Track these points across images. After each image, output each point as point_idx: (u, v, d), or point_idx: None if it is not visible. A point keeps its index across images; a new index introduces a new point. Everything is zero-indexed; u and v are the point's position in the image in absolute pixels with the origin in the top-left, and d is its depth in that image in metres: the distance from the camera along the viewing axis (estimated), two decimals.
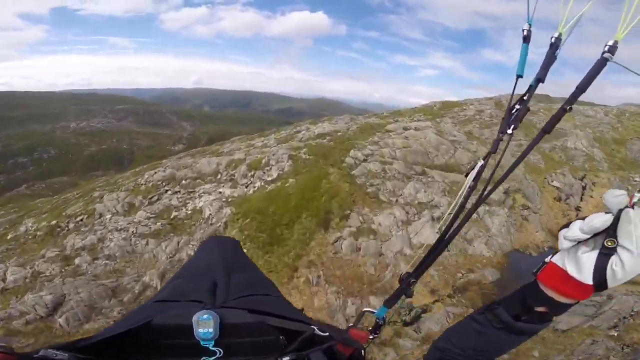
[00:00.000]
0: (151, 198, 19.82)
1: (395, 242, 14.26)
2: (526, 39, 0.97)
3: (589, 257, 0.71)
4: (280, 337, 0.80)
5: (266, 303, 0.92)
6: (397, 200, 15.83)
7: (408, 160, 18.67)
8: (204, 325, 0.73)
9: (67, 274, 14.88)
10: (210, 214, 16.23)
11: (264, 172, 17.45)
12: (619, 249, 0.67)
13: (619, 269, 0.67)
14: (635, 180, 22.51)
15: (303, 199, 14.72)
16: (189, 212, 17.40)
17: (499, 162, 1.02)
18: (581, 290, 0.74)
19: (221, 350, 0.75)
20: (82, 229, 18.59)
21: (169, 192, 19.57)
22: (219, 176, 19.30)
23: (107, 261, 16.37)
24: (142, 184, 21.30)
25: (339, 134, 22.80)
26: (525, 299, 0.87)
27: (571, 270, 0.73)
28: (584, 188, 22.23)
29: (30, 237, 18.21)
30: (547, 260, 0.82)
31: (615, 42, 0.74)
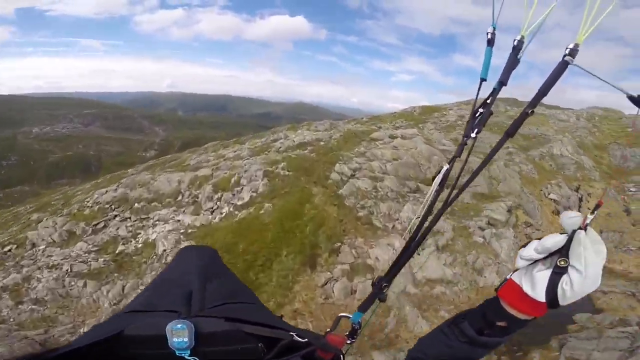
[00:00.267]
0: (96, 225, 15.76)
1: (397, 280, 11.14)
2: (490, 42, 0.91)
3: (542, 276, 0.70)
4: (259, 345, 0.76)
5: (243, 311, 0.89)
6: (394, 226, 12.79)
7: (400, 175, 15.75)
8: (178, 334, 0.69)
9: None
10: (165, 250, 12.51)
11: (234, 195, 13.91)
12: (569, 269, 0.67)
13: (568, 288, 0.66)
14: (631, 191, 20.83)
15: (282, 231, 11.35)
16: (140, 245, 13.61)
17: (463, 166, 0.98)
18: (535, 308, 0.73)
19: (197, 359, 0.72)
20: (7, 264, 14.33)
21: (118, 219, 15.60)
22: (179, 197, 15.55)
23: (34, 306, 12.38)
24: (87, 206, 17.14)
25: (322, 143, 19.57)
26: (486, 314, 0.85)
27: (526, 288, 0.72)
28: (580, 200, 20.28)
29: None
30: (507, 277, 0.80)
31: (576, 45, 0.71)
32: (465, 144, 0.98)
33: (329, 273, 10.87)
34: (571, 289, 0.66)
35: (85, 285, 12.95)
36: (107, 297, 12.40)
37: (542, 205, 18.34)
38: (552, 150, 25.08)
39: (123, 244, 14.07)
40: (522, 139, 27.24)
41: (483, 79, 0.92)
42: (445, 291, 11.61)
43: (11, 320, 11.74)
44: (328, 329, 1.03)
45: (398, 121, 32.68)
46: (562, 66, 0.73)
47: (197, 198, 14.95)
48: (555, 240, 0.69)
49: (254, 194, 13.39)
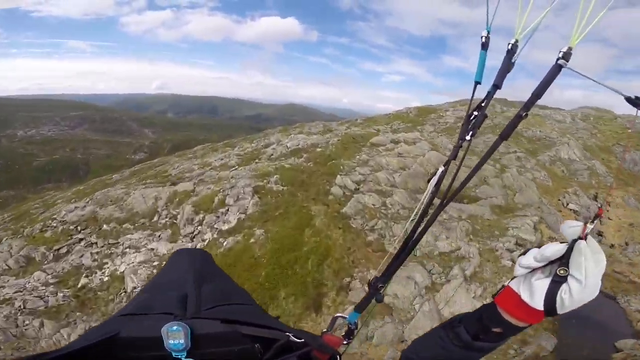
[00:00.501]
0: (57, 250, 13.04)
1: (421, 320, 8.83)
2: (484, 46, 0.88)
3: (541, 284, 0.68)
4: (256, 346, 0.75)
5: (239, 312, 0.87)
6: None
7: (410, 187, 13.48)
8: (174, 336, 0.68)
9: None
10: (135, 288, 9.95)
11: (218, 217, 11.36)
12: (569, 278, 0.65)
13: (567, 297, 0.65)
14: None
15: (279, 266, 8.90)
16: (106, 279, 11.00)
17: (458, 168, 0.93)
18: (532, 315, 0.72)
19: None
20: None
21: (83, 243, 12.91)
22: (155, 218, 12.94)
23: None
24: (50, 226, 14.37)
25: (318, 149, 17.16)
26: (482, 320, 0.82)
27: (524, 296, 0.70)
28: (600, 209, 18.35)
29: None
30: (505, 284, 0.78)
31: (569, 49, 0.70)
32: (461, 146, 0.92)
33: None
34: (570, 297, 0.64)
35: (42, 325, 10.43)
36: (68, 341, 9.81)
37: (563, 216, 16.32)
38: (559, 153, 23.24)
39: (87, 275, 11.45)
40: (527, 141, 25.40)
41: (478, 82, 0.89)
42: None
43: None
44: (325, 330, 0.99)
45: (394, 123, 30.65)
46: (556, 69, 0.72)
47: (176, 219, 12.39)
48: (555, 249, 0.66)
49: (243, 216, 10.88)
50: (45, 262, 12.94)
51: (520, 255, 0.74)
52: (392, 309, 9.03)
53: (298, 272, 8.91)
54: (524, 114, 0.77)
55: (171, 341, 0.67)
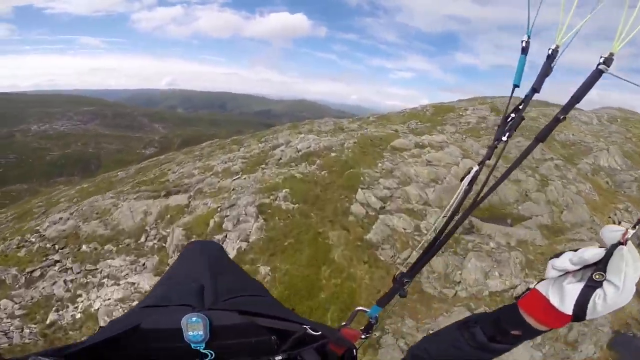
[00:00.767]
0: (31, 273, 10.93)
1: None
2: (524, 50, 0.85)
3: (573, 288, 0.65)
4: (272, 337, 0.75)
5: (255, 304, 0.86)
6: (456, 294, 8.11)
7: (446, 206, 11.07)
8: (194, 327, 0.67)
9: None
10: None
11: None
12: (605, 283, 0.62)
13: (601, 302, 0.62)
14: None
15: None
16: (78, 315, 8.83)
17: (493, 168, 0.88)
18: (557, 320, 0.70)
19: (212, 353, 0.70)
20: None
21: (58, 267, 10.75)
22: (142, 239, 10.71)
23: None
24: (27, 242, 12.28)
25: (333, 154, 14.73)
26: (500, 322, 0.79)
27: (553, 299, 0.67)
28: None
29: None
30: (530, 287, 0.75)
31: (611, 54, 0.68)
32: (496, 147, 0.89)
33: None
34: (604, 303, 0.62)
35: None
36: None
37: None
38: (599, 161, 20.46)
39: (57, 310, 9.33)
40: (560, 146, 22.61)
41: (516, 85, 0.87)
42: None
43: None
44: (343, 323, 0.96)
45: (411, 122, 28.04)
46: (597, 74, 0.69)
47: (165, 242, 10.17)
48: (594, 253, 0.63)
49: (244, 246, 8.52)
50: (16, 286, 10.83)
51: (552, 258, 0.70)
52: None
53: None
54: (562, 117, 0.75)
55: (190, 332, 0.67)
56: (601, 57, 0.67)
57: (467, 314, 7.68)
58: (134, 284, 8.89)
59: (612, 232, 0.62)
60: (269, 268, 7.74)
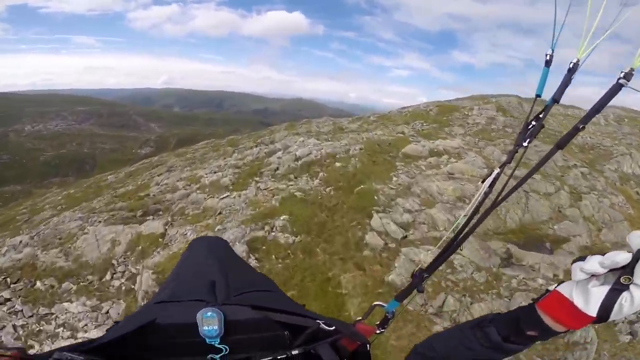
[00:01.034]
0: None
1: None
2: (548, 63, 0.88)
3: (598, 291, 0.66)
4: (285, 332, 0.74)
5: (268, 299, 0.86)
6: None
7: (479, 231, 9.00)
8: (209, 322, 0.67)
9: None
10: None
11: None
12: (632, 287, 0.63)
13: (627, 305, 0.64)
14: None
15: None
16: None
17: (513, 171, 0.93)
18: (580, 321, 0.70)
19: (227, 348, 0.69)
20: None
21: (7, 307, 8.42)
22: (107, 276, 8.46)
23: None
24: None
25: (338, 164, 12.54)
26: (518, 323, 0.78)
27: (578, 301, 0.68)
28: None
29: None
30: (550, 289, 0.75)
31: (632, 70, 0.69)
32: (516, 152, 0.92)
33: None
34: (631, 305, 0.63)
35: None
36: None
37: None
38: (622, 167, 18.50)
39: None
40: (579, 150, 20.62)
41: (538, 95, 0.90)
42: None
43: None
44: (359, 318, 0.96)
45: (416, 123, 25.95)
46: (617, 88, 0.71)
47: (134, 284, 8.00)
48: (624, 257, 0.64)
49: None
50: None
51: (575, 261, 0.70)
52: None
53: None
54: (581, 126, 0.76)
55: (206, 327, 0.66)
56: (622, 72, 0.68)
57: None
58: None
59: (638, 238, 0.63)
60: None
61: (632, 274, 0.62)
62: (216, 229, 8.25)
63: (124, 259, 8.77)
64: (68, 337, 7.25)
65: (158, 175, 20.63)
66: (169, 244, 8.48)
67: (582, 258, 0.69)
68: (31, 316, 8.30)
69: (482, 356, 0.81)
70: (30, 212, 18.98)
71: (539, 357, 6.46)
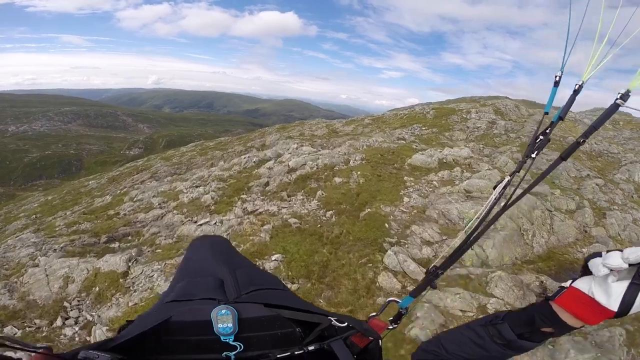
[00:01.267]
0: None
1: None
2: (556, 84, 0.94)
3: (619, 286, 0.67)
4: (297, 329, 0.74)
5: (278, 296, 0.85)
6: None
7: (507, 260, 7.27)
8: (223, 320, 0.67)
9: None
10: None
11: None
12: None
13: None
14: None
15: None
16: None
17: (521, 179, 0.97)
18: (601, 315, 0.70)
19: (241, 345, 0.69)
20: None
21: None
22: (58, 321, 6.48)
23: None
24: None
25: (338, 180, 10.70)
26: (534, 320, 0.79)
27: (599, 297, 0.69)
28: None
29: None
30: (565, 285, 0.76)
31: (628, 91, 0.74)
32: (525, 162, 0.96)
33: None
34: None
35: None
36: None
37: None
38: (633, 176, 17.28)
39: None
40: (587, 157, 19.39)
41: (546, 113, 0.97)
42: None
43: None
44: (373, 313, 0.91)
45: (414, 126, 24.64)
46: (614, 107, 0.75)
47: (89, 336, 6.10)
48: None
49: None
50: None
51: (591, 257, 0.71)
52: None
53: None
54: (582, 140, 0.79)
55: (220, 325, 0.66)
56: (619, 93, 0.72)
57: None
58: None
59: None
60: None
61: None
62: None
63: (78, 301, 6.82)
64: None
65: (139, 184, 18.63)
66: (131, 287, 6.56)
67: (598, 254, 0.69)
68: None
69: (494, 353, 0.79)
70: (4, 220, 17.25)
71: None
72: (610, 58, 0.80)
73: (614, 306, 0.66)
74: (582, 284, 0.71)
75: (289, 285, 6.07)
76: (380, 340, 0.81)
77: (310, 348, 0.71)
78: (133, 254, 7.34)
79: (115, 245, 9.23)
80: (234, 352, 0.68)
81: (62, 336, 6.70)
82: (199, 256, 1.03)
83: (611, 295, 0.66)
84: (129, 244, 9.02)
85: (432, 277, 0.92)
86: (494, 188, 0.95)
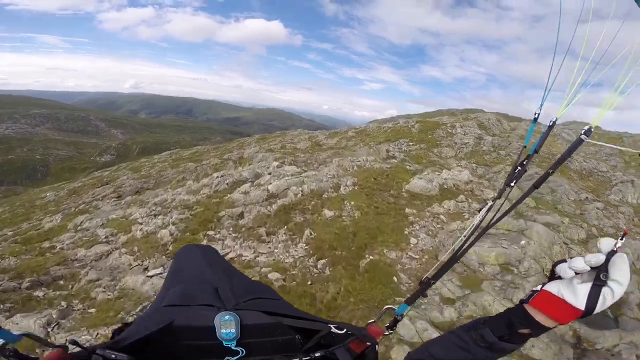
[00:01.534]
0: None
1: None
2: (535, 120, 1.00)
3: (583, 287, 0.71)
4: (297, 337, 0.75)
5: (276, 305, 0.86)
6: None
7: (554, 350, 5.58)
8: (226, 325, 0.68)
9: None
10: None
11: None
12: (609, 282, 0.70)
13: (609, 297, 0.69)
14: None
15: None
16: None
17: (501, 205, 0.97)
18: (571, 315, 0.74)
19: (244, 350, 0.69)
20: None
21: None
22: None
23: None
24: None
25: (329, 213, 8.70)
26: (512, 323, 0.82)
27: (568, 297, 0.72)
28: None
29: None
30: (537, 289, 0.79)
31: (590, 128, 0.77)
32: (504, 190, 0.98)
33: None
34: (612, 297, 0.69)
35: None
36: None
37: None
38: (626, 197, 16.55)
39: None
40: (578, 177, 18.63)
41: (524, 146, 1.01)
42: None
43: None
44: (371, 320, 0.96)
45: (401, 141, 23.38)
46: (579, 142, 0.78)
47: None
48: (601, 258, 0.70)
49: None
50: None
51: (557, 264, 0.74)
52: None
53: None
54: (552, 171, 0.84)
55: (223, 330, 0.67)
56: (583, 129, 0.77)
57: None
58: None
59: (608, 243, 0.70)
60: None
61: (607, 271, 0.68)
62: None
63: None
64: None
65: (99, 199, 15.95)
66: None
67: (563, 260, 0.74)
68: None
69: (478, 355, 0.82)
70: None
71: None
72: (582, 79, 0.80)
73: (582, 305, 0.69)
74: (552, 287, 0.74)
75: None
76: (376, 346, 0.82)
77: (317, 354, 0.71)
78: (54, 316, 5.03)
79: (40, 294, 6.81)
80: (235, 357, 0.68)
81: None
82: (191, 263, 1.00)
83: (578, 295, 0.69)
84: (57, 293, 6.66)
85: (424, 287, 0.94)
86: (479, 212, 0.98)
